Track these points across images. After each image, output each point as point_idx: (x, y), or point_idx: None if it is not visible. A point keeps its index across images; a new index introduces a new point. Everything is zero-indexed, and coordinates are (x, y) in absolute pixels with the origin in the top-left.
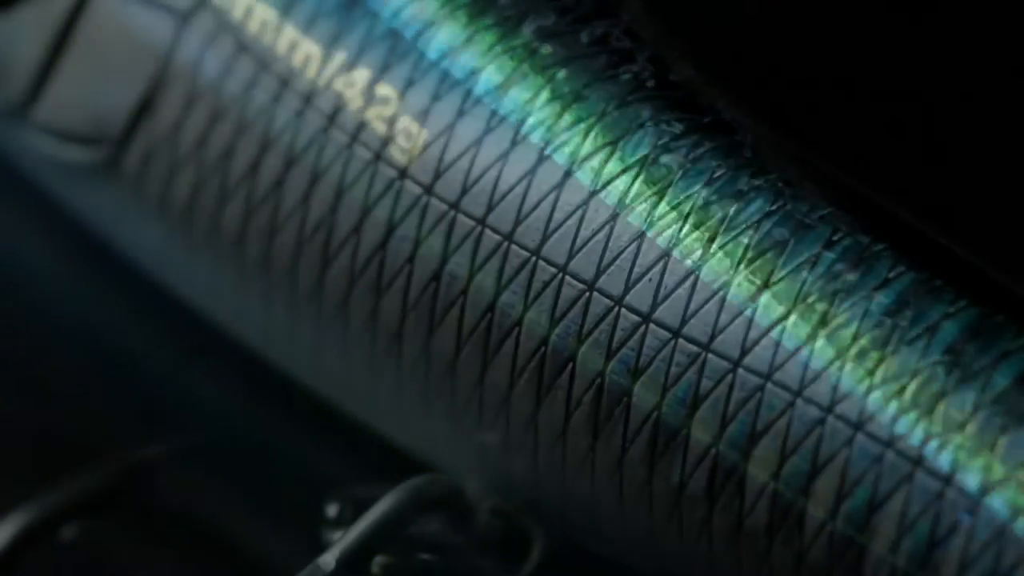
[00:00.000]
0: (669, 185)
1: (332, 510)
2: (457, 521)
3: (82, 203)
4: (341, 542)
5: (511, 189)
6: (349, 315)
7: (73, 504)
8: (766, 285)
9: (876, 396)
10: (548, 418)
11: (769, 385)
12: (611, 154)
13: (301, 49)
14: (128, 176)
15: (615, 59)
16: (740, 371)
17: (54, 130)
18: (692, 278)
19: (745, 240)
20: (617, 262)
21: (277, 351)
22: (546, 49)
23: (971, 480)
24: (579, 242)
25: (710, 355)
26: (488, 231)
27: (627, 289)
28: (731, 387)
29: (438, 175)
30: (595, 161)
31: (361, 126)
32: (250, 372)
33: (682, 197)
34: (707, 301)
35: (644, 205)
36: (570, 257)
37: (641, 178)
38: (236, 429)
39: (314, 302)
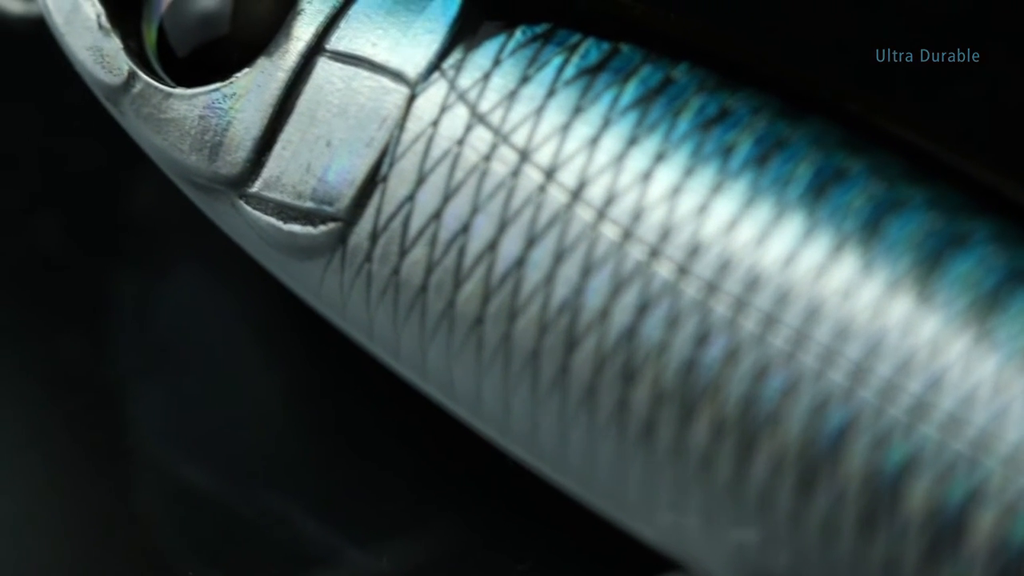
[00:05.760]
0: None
1: None
2: None
3: (305, 282)
4: None
5: (773, 273)
6: (597, 403)
7: None
8: None
9: None
10: (813, 514)
11: None
12: None
13: (542, 120)
14: (355, 254)
15: None
16: None
17: (275, 205)
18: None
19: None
20: (887, 339)
21: (517, 443)
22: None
23: None
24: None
25: (989, 454)
26: (752, 318)
27: (901, 371)
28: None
29: (693, 255)
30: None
31: (609, 202)
32: (481, 466)
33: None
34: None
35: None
36: (834, 343)
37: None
38: (473, 529)
39: (558, 389)
